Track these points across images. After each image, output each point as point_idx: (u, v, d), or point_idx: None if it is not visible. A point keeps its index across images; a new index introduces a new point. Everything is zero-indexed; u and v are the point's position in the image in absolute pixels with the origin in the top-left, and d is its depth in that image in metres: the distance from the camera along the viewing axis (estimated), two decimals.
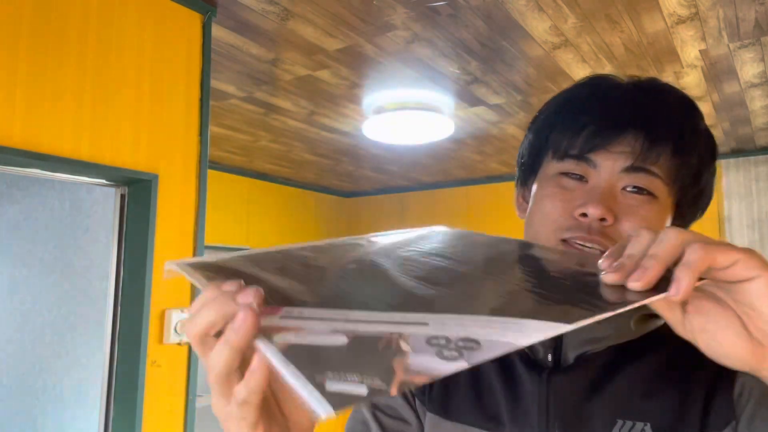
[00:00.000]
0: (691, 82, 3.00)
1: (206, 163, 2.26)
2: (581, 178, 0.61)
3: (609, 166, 0.60)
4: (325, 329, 0.34)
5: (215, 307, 0.35)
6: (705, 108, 3.40)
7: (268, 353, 0.33)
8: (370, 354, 0.32)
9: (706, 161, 0.64)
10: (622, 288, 0.38)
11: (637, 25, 2.44)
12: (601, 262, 0.41)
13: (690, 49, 2.65)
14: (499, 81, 3.06)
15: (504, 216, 5.29)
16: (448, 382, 0.66)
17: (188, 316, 0.37)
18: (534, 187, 0.66)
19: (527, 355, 0.64)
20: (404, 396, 0.68)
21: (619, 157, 0.59)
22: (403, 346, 0.32)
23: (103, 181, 2.07)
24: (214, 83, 3.06)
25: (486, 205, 5.47)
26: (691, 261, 0.35)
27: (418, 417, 0.67)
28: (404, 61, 2.80)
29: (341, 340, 0.33)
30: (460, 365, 0.31)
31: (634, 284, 0.37)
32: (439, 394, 0.66)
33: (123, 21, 2.04)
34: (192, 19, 2.25)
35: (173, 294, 2.13)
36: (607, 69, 2.87)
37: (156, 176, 2.08)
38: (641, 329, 0.62)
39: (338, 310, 0.36)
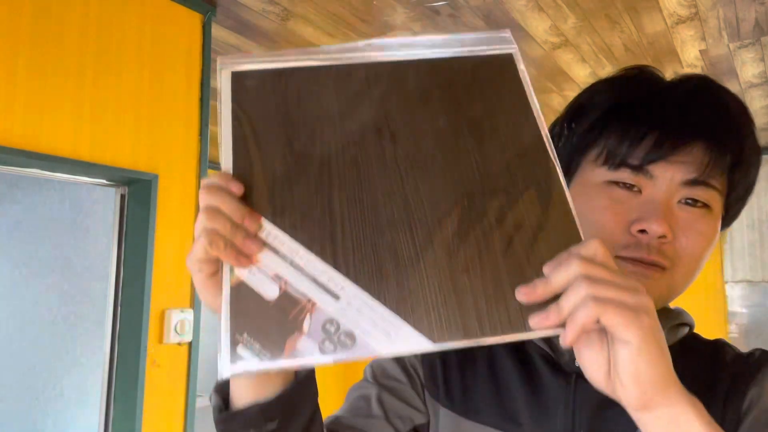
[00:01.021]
0: None
1: (206, 163, 2.26)
2: (632, 188, 0.57)
3: (668, 178, 0.56)
4: (270, 271, 0.43)
5: (209, 241, 0.43)
6: None
7: (224, 285, 0.42)
8: (282, 319, 0.41)
9: (758, 170, 0.61)
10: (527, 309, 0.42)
11: (637, 25, 2.44)
12: (522, 289, 0.42)
13: (690, 49, 2.65)
14: None
15: None
16: (467, 382, 0.65)
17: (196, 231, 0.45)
18: (571, 194, 0.62)
19: (551, 358, 0.62)
20: (413, 387, 0.67)
21: (680, 169, 0.55)
22: (305, 324, 0.41)
23: (103, 181, 2.07)
24: (214, 83, 3.07)
25: None
26: (579, 318, 0.39)
27: (426, 408, 0.66)
28: None
29: (274, 291, 0.42)
30: (328, 360, 0.40)
31: (532, 321, 0.41)
32: (458, 394, 0.65)
33: (123, 21, 2.04)
34: (192, 19, 2.25)
35: (173, 294, 2.13)
36: (607, 69, 2.87)
37: (156, 176, 2.08)
38: (670, 339, 0.60)
39: (295, 243, 0.44)
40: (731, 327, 4.42)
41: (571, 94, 3.23)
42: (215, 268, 0.45)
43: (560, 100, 3.35)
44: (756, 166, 0.60)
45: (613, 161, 0.57)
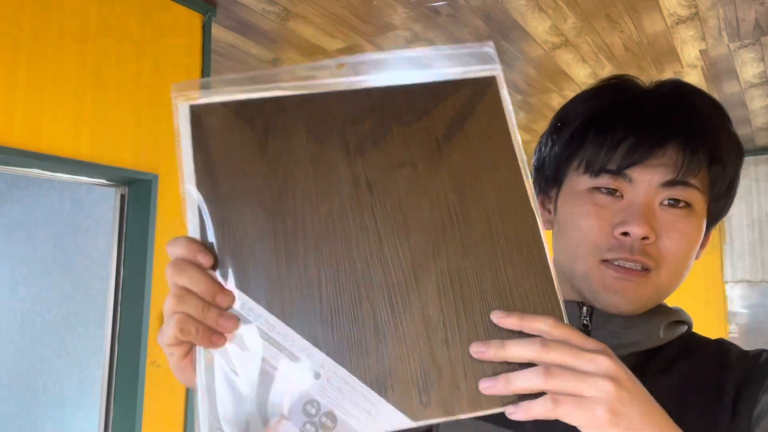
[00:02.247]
0: (691, 82, 3.00)
1: None
2: (614, 193, 0.59)
3: (646, 181, 0.58)
4: (252, 352, 0.41)
5: (183, 324, 0.42)
6: None
7: (198, 369, 0.41)
8: (262, 395, 0.40)
9: (738, 167, 0.63)
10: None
11: (637, 25, 2.44)
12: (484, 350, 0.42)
13: (690, 49, 2.65)
14: None
15: None
16: None
17: (167, 308, 0.43)
18: (559, 202, 0.64)
19: None
20: None
21: (657, 171, 0.58)
22: (285, 401, 0.40)
23: (103, 181, 2.07)
24: None
25: None
26: (533, 409, 0.40)
27: None
28: None
29: (254, 375, 0.40)
30: None
31: (481, 385, 0.41)
32: None
33: (123, 21, 2.04)
34: (192, 19, 2.25)
35: None
36: (607, 69, 2.87)
37: (156, 176, 2.08)
38: (668, 336, 0.62)
39: (271, 317, 0.41)
40: (731, 327, 4.42)
41: (571, 94, 3.23)
42: (188, 348, 0.44)
43: (560, 100, 3.35)
44: (734, 161, 0.62)
45: (593, 168, 0.60)
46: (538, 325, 0.41)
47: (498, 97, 0.47)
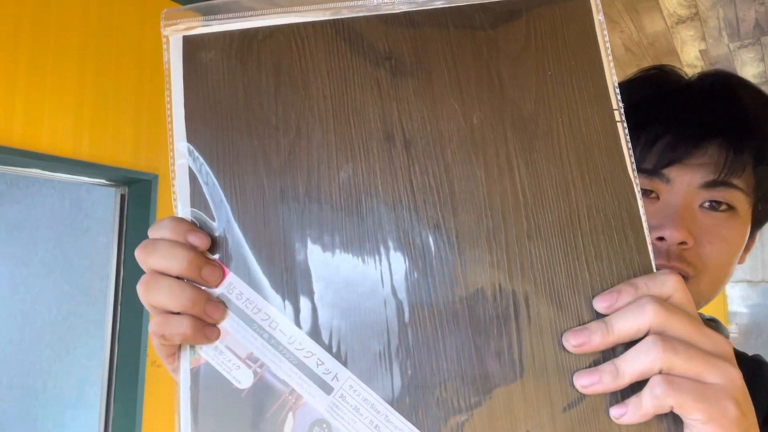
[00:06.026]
0: None
1: None
2: (649, 194, 0.55)
3: (686, 182, 0.53)
4: (242, 350, 0.33)
5: (170, 295, 0.34)
6: None
7: (181, 368, 0.34)
8: (256, 418, 0.32)
9: None
10: None
11: (637, 25, 2.44)
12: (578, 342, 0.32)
13: (690, 49, 2.66)
14: None
15: None
16: None
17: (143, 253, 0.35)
18: None
19: None
20: None
21: (698, 171, 0.53)
22: (288, 422, 0.32)
23: (103, 181, 2.07)
24: None
25: None
26: (646, 403, 0.31)
27: None
28: None
29: (247, 379, 0.32)
30: None
31: (581, 380, 0.32)
32: None
33: (123, 21, 2.04)
34: None
35: None
36: None
37: (156, 176, 2.08)
38: None
39: (272, 309, 0.33)
40: (731, 327, 4.41)
41: None
42: (174, 348, 0.36)
43: None
44: None
45: None
46: (658, 291, 0.32)
47: (590, 23, 0.35)
